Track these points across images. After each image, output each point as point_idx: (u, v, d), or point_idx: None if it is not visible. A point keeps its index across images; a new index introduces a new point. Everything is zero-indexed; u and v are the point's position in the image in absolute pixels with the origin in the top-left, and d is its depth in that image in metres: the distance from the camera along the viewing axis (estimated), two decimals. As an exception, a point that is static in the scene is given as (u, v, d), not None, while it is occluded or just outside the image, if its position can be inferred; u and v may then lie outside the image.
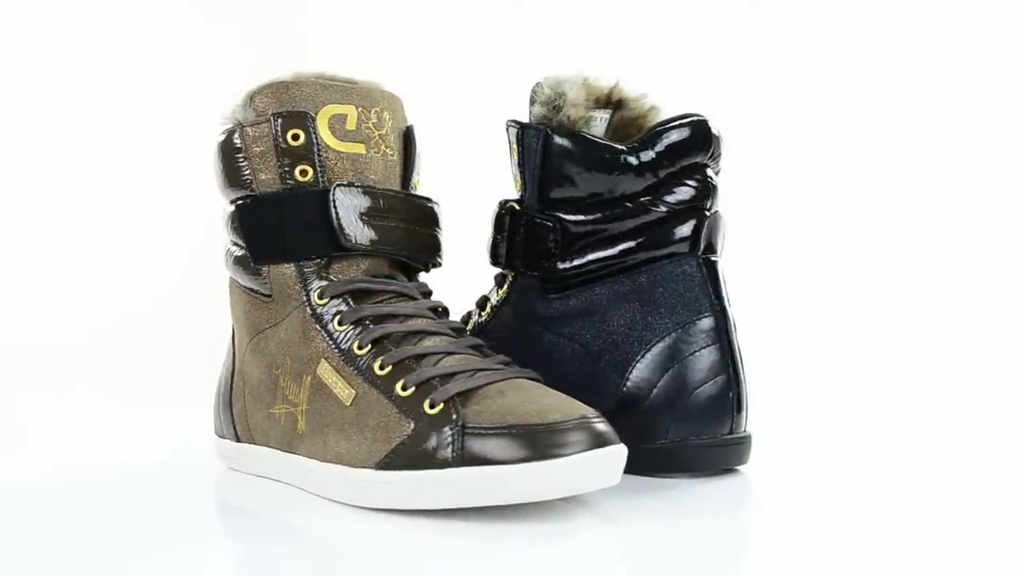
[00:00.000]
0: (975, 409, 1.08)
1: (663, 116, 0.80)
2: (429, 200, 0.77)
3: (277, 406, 0.74)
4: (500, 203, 0.80)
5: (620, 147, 0.76)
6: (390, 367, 0.69)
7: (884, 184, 1.34)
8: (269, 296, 0.74)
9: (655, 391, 0.75)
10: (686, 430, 0.75)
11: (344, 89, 0.75)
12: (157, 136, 1.18)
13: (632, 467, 0.75)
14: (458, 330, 0.74)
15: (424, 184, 0.81)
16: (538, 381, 0.71)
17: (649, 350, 0.76)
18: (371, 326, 0.71)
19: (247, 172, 0.74)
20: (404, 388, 0.68)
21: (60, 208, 1.22)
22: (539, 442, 0.64)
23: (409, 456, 0.66)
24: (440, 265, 0.78)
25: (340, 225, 0.72)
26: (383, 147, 0.75)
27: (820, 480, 0.81)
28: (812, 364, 1.22)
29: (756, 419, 0.81)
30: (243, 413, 0.77)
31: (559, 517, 0.66)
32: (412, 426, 0.66)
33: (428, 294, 0.76)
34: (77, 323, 1.18)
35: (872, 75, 1.35)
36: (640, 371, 0.76)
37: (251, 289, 0.76)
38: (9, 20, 1.21)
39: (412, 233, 0.75)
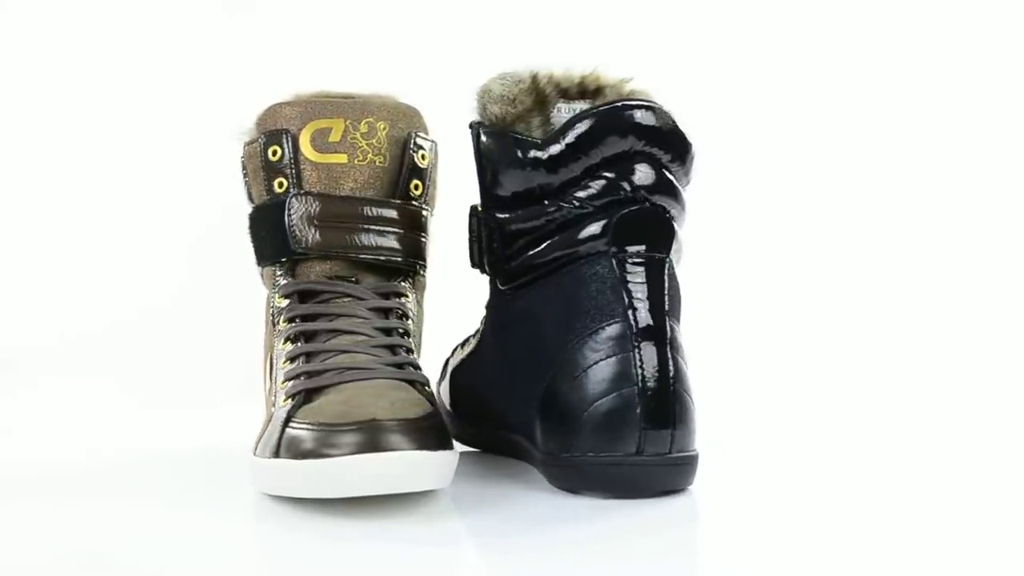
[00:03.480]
0: (939, 424, 1.02)
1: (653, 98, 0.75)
2: (411, 205, 0.80)
3: (264, 395, 0.83)
4: (471, 206, 0.81)
5: (533, 142, 0.73)
6: (288, 362, 0.75)
7: (856, 197, 1.34)
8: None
9: (562, 401, 0.71)
10: (585, 445, 0.70)
11: (334, 104, 0.81)
12: (184, 140, 1.25)
13: (557, 480, 0.73)
14: (388, 331, 0.76)
15: (444, 190, 0.84)
16: (419, 385, 0.72)
17: (563, 356, 0.72)
18: (298, 323, 0.77)
19: (249, 187, 0.83)
20: (284, 382, 0.73)
21: (81, 209, 1.28)
22: (320, 440, 0.66)
23: (262, 444, 0.72)
24: (424, 267, 0.81)
25: (291, 230, 0.79)
26: (371, 155, 0.80)
27: (770, 510, 0.72)
28: (784, 379, 1.13)
29: (718, 438, 0.73)
30: None
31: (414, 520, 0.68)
32: (271, 417, 0.72)
33: (390, 295, 0.79)
34: (140, 318, 1.22)
35: (859, 76, 1.35)
36: (555, 379, 0.72)
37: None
38: (27, 34, 1.30)
39: (378, 236, 0.79)
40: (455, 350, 0.89)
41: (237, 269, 0.84)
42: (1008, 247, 1.32)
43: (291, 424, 0.69)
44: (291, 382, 0.72)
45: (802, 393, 1.12)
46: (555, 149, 0.72)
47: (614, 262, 0.71)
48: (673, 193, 0.73)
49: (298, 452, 0.67)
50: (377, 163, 0.80)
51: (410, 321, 0.79)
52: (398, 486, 0.66)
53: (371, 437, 0.65)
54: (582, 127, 0.71)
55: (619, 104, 0.71)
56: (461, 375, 0.86)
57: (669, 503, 0.71)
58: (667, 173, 0.73)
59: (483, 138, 0.75)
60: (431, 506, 0.70)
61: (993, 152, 1.34)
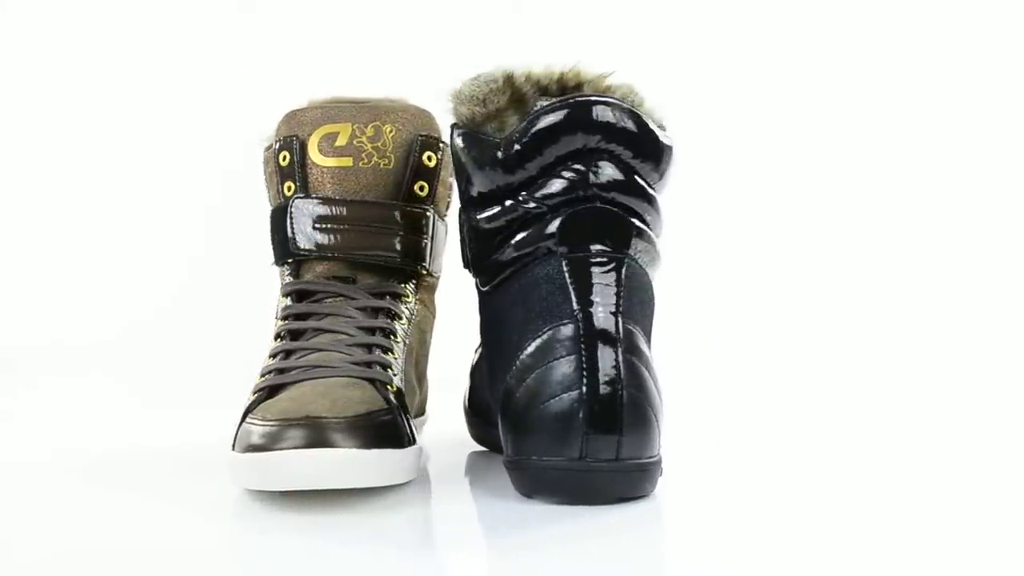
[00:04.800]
0: (916, 427, 0.98)
1: (633, 94, 0.74)
2: (413, 207, 0.81)
3: None
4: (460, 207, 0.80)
5: (494, 142, 0.72)
6: (270, 359, 0.77)
7: (842, 200, 1.36)
8: None
9: (514, 403, 0.70)
10: (532, 448, 0.69)
11: (343, 109, 0.82)
12: (201, 146, 1.25)
13: (514, 484, 0.72)
14: (372, 330, 0.77)
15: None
16: (379, 384, 0.72)
17: (519, 358, 0.71)
18: (289, 321, 0.79)
19: (268, 190, 0.86)
20: (260, 377, 0.76)
21: (82, 211, 1.30)
22: (263, 435, 0.68)
23: (233, 439, 0.74)
24: (426, 268, 0.81)
25: (292, 232, 0.81)
26: (376, 158, 0.82)
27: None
28: (766, 382, 1.11)
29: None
30: None
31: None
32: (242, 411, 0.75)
33: (385, 295, 0.80)
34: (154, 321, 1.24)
35: (850, 77, 1.37)
36: (511, 380, 0.71)
37: None
38: (47, 40, 1.32)
39: (376, 237, 0.80)
40: (476, 349, 0.89)
41: (237, 270, 0.86)
42: (973, 248, 1.36)
43: (246, 419, 0.71)
44: (263, 378, 0.74)
45: (785, 398, 1.10)
46: (511, 149, 0.71)
47: (563, 262, 0.69)
48: (638, 192, 0.70)
49: (246, 446, 0.69)
50: (382, 165, 0.81)
51: (403, 321, 0.80)
52: (334, 482, 0.67)
53: (308, 434, 0.67)
54: (535, 126, 0.70)
55: (571, 101, 0.70)
56: (474, 375, 0.87)
57: (626, 509, 0.68)
58: (632, 172, 0.70)
59: (455, 139, 0.75)
60: (383, 502, 0.70)
61: (975, 145, 1.37)
